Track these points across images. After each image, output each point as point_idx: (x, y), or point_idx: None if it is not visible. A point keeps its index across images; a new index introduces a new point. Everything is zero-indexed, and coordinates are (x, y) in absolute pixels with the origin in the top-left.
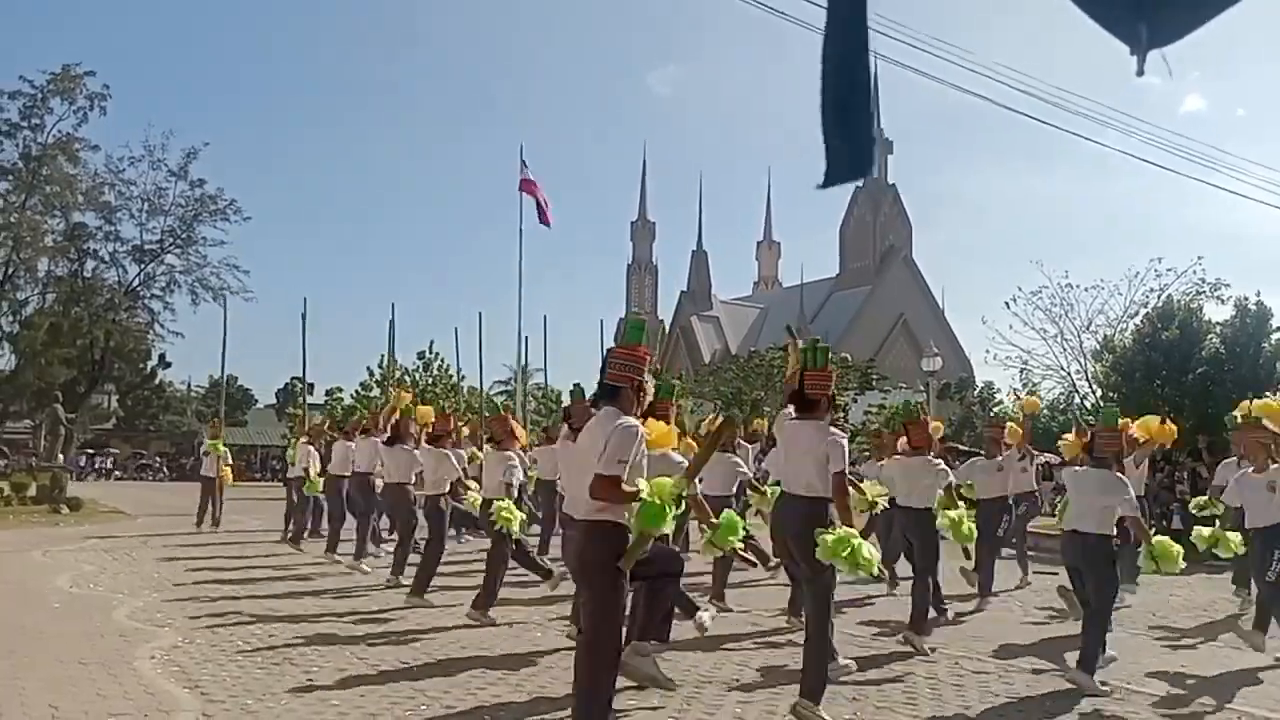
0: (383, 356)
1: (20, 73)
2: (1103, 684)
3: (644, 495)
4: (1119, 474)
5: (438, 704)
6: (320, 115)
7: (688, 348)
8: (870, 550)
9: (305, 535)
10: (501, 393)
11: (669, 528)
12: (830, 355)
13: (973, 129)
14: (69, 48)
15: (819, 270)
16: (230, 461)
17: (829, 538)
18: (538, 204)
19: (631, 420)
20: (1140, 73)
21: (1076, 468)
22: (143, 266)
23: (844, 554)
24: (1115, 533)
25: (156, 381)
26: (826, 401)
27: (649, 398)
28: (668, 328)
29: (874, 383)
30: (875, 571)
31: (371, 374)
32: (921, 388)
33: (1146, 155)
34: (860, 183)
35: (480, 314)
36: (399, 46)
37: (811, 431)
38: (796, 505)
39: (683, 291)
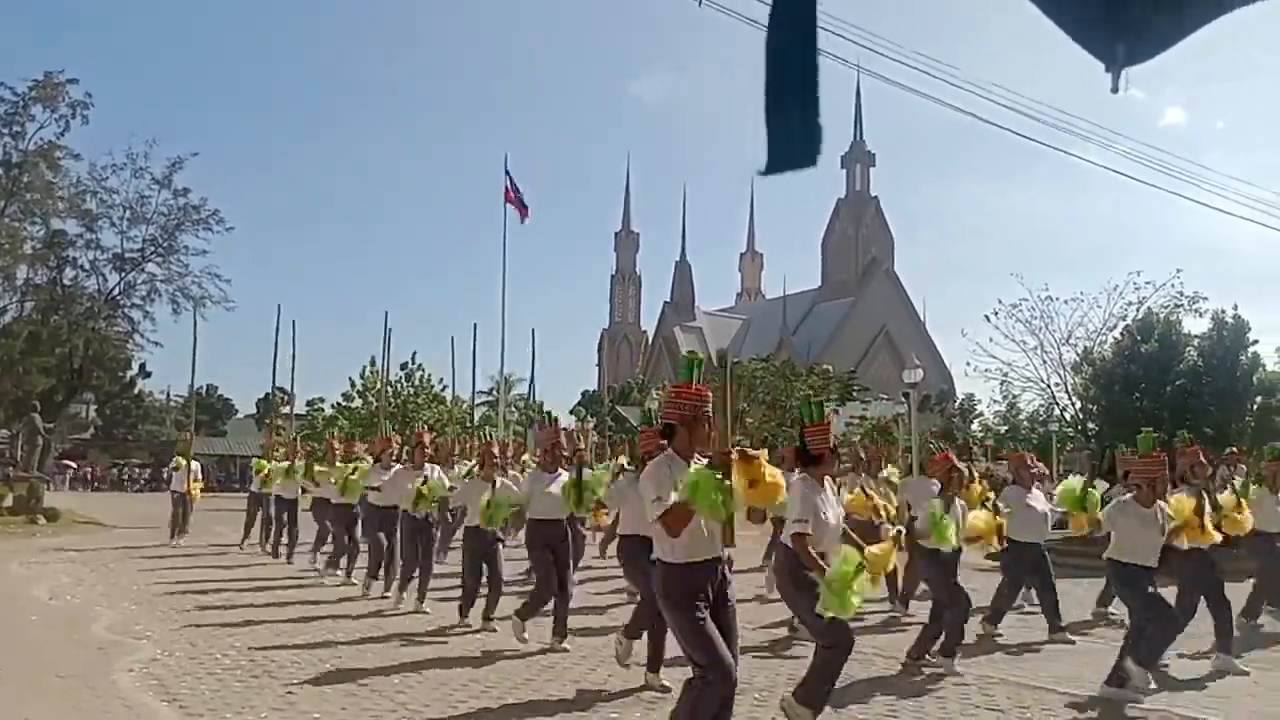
0: (365, 367)
1: (3, 79)
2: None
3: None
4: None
5: (419, 716)
6: (305, 126)
7: (670, 358)
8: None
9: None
10: (484, 403)
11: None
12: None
13: (955, 143)
14: (61, 52)
15: (801, 282)
16: (199, 478)
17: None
18: (518, 206)
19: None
20: (1115, 90)
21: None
22: (123, 275)
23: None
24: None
25: (136, 391)
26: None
27: (702, 430)
28: (650, 338)
29: (855, 394)
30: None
31: (353, 384)
32: (902, 399)
33: (1127, 170)
34: (837, 184)
35: (475, 325)
36: (383, 55)
37: None
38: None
39: (666, 302)
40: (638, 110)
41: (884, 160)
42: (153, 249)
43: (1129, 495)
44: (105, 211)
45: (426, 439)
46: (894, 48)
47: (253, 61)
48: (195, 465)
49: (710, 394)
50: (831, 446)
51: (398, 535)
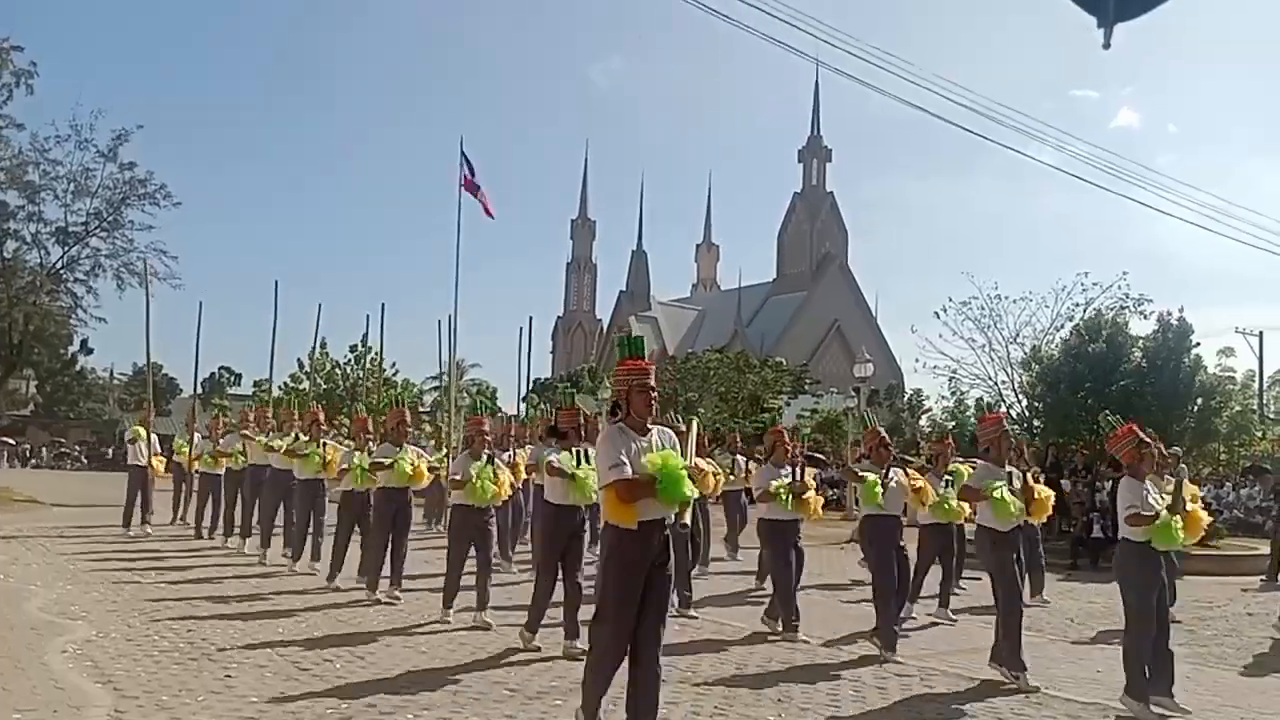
0: (314, 347)
1: None
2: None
3: (654, 471)
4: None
5: (360, 701)
6: (254, 103)
7: None
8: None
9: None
10: (434, 388)
11: (691, 490)
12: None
13: (911, 139)
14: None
15: (756, 274)
16: (159, 451)
17: None
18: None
19: (606, 432)
20: (1107, 46)
21: None
22: (66, 249)
23: None
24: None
25: (78, 368)
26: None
27: (642, 400)
28: (605, 327)
29: (807, 387)
30: None
31: (301, 365)
32: (853, 393)
33: (1079, 171)
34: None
35: (443, 319)
36: (334, 36)
37: None
38: None
39: (621, 291)
40: (596, 97)
41: (840, 155)
42: (97, 223)
43: None
44: (48, 183)
45: (321, 416)
46: (853, 42)
47: (202, 42)
48: (154, 437)
49: (651, 367)
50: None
51: (293, 499)
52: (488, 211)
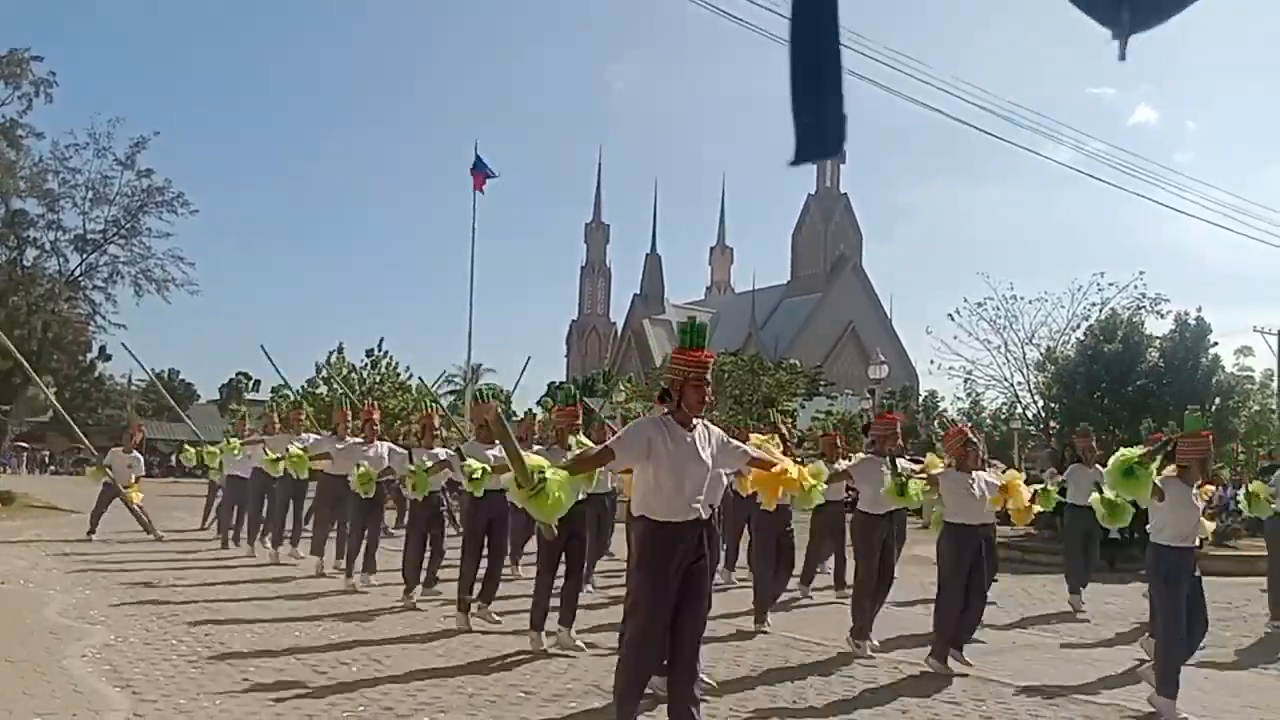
0: (330, 354)
1: None
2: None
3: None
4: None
5: (377, 705)
6: (271, 113)
7: (639, 350)
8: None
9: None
10: (451, 392)
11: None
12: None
13: (926, 141)
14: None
15: (770, 277)
16: (142, 471)
17: None
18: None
19: (644, 419)
20: (1122, 57)
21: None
22: (85, 256)
23: None
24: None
25: (96, 374)
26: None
27: (696, 395)
28: (619, 330)
29: (821, 389)
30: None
31: (319, 370)
32: (867, 395)
33: (1096, 171)
34: (841, 160)
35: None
36: (349, 41)
37: None
38: None
39: (635, 294)
40: (610, 101)
41: (854, 157)
42: (115, 230)
43: (1173, 472)
44: (67, 191)
45: (376, 416)
46: (867, 44)
47: (225, 49)
48: (135, 457)
49: (710, 360)
50: None
51: (348, 506)
52: (478, 182)
